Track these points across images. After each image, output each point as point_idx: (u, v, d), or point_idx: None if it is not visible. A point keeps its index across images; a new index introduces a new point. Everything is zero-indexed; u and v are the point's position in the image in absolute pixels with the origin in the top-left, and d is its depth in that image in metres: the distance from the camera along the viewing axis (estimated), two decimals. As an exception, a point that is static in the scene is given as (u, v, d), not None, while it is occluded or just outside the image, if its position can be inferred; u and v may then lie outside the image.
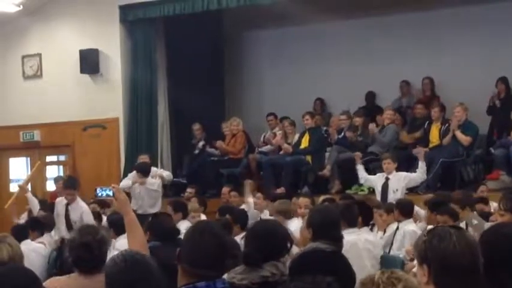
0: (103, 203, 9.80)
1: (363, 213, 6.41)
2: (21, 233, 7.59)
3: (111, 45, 12.96)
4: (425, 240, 2.62)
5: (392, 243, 7.10)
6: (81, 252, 3.69)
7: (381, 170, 9.69)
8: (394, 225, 7.31)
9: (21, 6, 12.68)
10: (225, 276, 3.82)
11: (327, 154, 11.65)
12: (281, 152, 11.78)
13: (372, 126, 11.31)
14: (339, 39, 13.84)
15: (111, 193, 4.11)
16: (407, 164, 10.61)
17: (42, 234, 8.23)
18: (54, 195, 11.95)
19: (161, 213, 8.39)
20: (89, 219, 8.18)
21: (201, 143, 12.68)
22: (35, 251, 7.53)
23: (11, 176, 14.06)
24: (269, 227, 3.93)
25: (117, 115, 12.96)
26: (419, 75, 12.71)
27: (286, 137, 12.02)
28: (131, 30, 13.10)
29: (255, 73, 15.00)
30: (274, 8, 12.23)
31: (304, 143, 11.53)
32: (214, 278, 3.01)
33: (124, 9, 12.84)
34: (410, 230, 7.01)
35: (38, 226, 8.31)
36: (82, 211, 8.51)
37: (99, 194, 4.04)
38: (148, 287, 2.75)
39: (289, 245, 3.80)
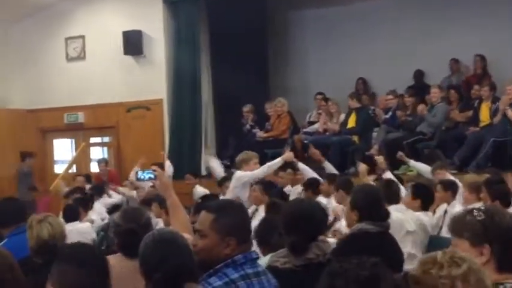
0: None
1: (423, 195, 6.37)
2: (72, 213, 7.75)
3: (155, 26, 13.02)
4: (483, 220, 2.56)
5: (441, 226, 7.01)
6: (127, 238, 3.74)
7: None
8: (443, 207, 7.22)
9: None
10: (267, 258, 3.85)
11: (374, 134, 11.56)
12: (327, 133, 11.74)
13: (421, 107, 11.18)
14: (384, 17, 13.68)
15: (153, 176, 4.10)
16: (457, 144, 10.48)
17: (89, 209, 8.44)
18: (98, 176, 12.17)
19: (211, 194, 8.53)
20: None
21: (249, 124, 12.70)
22: (78, 231, 7.66)
23: (55, 158, 14.31)
24: (306, 208, 3.86)
25: (161, 96, 13.05)
26: (468, 53, 12.51)
27: (331, 117, 11.98)
28: (174, 10, 13.13)
29: (299, 53, 14.92)
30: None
31: (351, 123, 11.46)
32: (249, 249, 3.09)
33: (167, -10, 12.90)
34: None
35: (86, 203, 8.51)
36: None
37: (141, 177, 4.07)
38: (178, 263, 2.76)
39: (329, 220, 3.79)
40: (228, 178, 8.93)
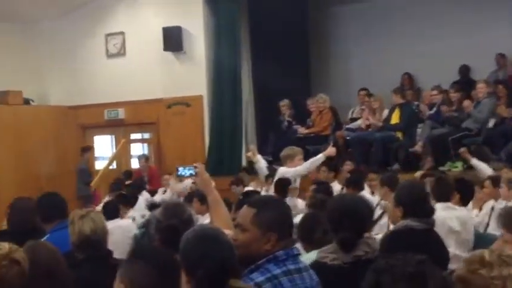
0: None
1: (462, 190, 6.26)
2: (112, 210, 7.81)
3: (195, 23, 13.05)
4: None
5: (488, 223, 6.89)
6: (168, 234, 3.74)
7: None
8: (490, 204, 7.09)
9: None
10: (311, 255, 3.81)
11: (418, 130, 11.43)
12: (369, 129, 11.65)
13: (467, 103, 11.02)
14: (428, 11, 13.53)
15: (193, 172, 4.10)
16: (504, 139, 10.30)
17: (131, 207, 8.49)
18: (138, 172, 12.26)
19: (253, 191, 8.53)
20: None
21: (287, 120, 12.67)
22: (120, 228, 7.72)
23: (96, 154, 14.47)
24: (350, 204, 3.80)
25: (201, 92, 13.08)
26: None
27: (374, 113, 11.87)
28: (214, 7, 13.14)
29: (341, 48, 14.84)
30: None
31: (395, 118, 11.33)
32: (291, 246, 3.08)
33: (207, -14, 12.92)
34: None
35: (126, 201, 8.56)
36: None
37: (181, 173, 4.07)
38: (221, 259, 2.72)
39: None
40: (272, 175, 8.93)
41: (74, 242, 4.03)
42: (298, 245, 4.73)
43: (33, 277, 3.09)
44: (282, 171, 8.26)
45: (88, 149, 13.31)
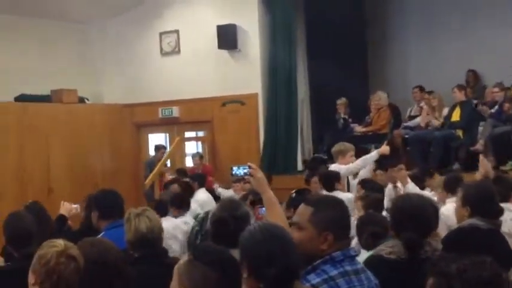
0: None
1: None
2: (162, 208, 7.89)
3: (249, 21, 13.06)
4: None
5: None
6: (218, 227, 3.78)
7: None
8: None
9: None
10: (366, 255, 3.80)
11: (480, 128, 11.23)
12: (429, 128, 11.51)
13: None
14: (492, 6, 13.28)
15: (247, 171, 4.12)
16: None
17: (184, 211, 8.53)
18: (192, 171, 12.36)
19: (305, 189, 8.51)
20: None
21: (343, 118, 12.62)
22: (175, 226, 7.80)
23: (151, 152, 14.62)
24: (416, 204, 3.78)
25: (256, 91, 13.09)
26: None
27: (433, 110, 11.72)
28: (270, 4, 13.11)
29: (400, 45, 14.71)
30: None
31: (455, 116, 11.17)
32: (347, 246, 3.09)
33: (262, -16, 12.92)
34: None
35: (179, 202, 8.60)
36: None
37: (235, 173, 4.10)
38: (288, 259, 2.70)
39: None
40: (314, 174, 8.83)
41: (129, 240, 4.08)
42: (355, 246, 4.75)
43: (96, 273, 3.17)
44: (333, 168, 8.19)
45: (162, 147, 13.39)
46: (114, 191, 5.21)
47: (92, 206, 5.05)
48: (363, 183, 7.38)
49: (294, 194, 7.46)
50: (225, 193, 10.56)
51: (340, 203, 3.23)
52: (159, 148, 13.32)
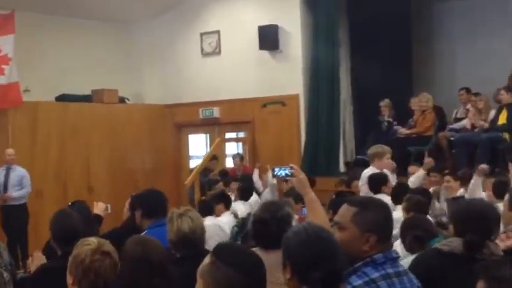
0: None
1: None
2: (206, 208, 7.97)
3: (291, 21, 13.07)
4: None
5: None
6: (259, 228, 3.82)
7: None
8: None
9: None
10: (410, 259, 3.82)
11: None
12: (475, 130, 11.39)
13: None
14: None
15: (289, 172, 4.15)
16: None
17: (227, 208, 8.61)
18: (233, 171, 12.42)
19: (348, 191, 8.50)
20: None
21: (387, 120, 12.55)
22: (216, 225, 7.86)
23: (191, 153, 14.73)
24: (479, 208, 3.80)
25: (297, 92, 13.09)
26: None
27: (480, 113, 11.59)
28: (312, 4, 13.10)
29: (446, 45, 14.53)
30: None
31: (502, 119, 11.02)
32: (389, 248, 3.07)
33: (304, -16, 12.92)
34: None
35: (224, 200, 8.70)
36: None
37: (277, 174, 4.13)
38: (331, 264, 2.68)
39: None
40: (355, 177, 8.83)
41: (171, 240, 4.12)
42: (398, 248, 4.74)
43: (139, 271, 3.22)
44: (369, 172, 8.11)
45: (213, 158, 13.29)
46: (158, 190, 5.28)
47: (136, 204, 5.12)
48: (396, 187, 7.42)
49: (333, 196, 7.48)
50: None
51: (384, 205, 3.22)
52: (213, 159, 13.26)
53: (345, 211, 3.11)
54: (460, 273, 3.45)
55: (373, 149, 8.39)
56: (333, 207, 6.08)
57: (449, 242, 3.65)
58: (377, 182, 7.62)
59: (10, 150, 11.11)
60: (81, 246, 3.33)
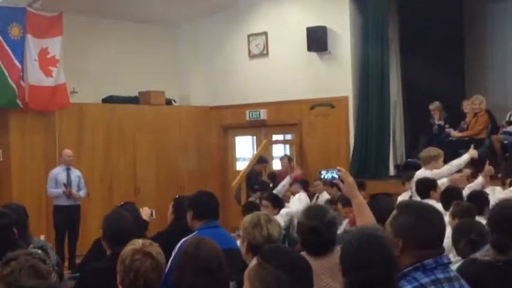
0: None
1: None
2: (251, 209, 8.01)
3: (340, 22, 13.04)
4: None
5: None
6: (310, 237, 3.83)
7: None
8: None
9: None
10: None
11: None
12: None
13: None
14: None
15: (336, 176, 4.16)
16: None
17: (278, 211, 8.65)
18: (280, 174, 12.44)
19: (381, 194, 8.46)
20: None
21: (438, 123, 12.43)
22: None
23: (237, 155, 14.78)
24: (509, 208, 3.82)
25: (346, 94, 13.05)
26: None
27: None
28: (361, 5, 13.08)
29: (500, 47, 14.34)
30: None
31: (557, 122, 10.88)
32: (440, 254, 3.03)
33: (353, -16, 12.87)
34: None
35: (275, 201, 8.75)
36: None
37: (324, 177, 4.15)
38: (384, 269, 2.71)
39: None
40: (409, 177, 8.82)
41: (259, 244, 3.92)
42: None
43: (193, 270, 3.29)
44: (422, 174, 8.10)
45: (262, 161, 13.21)
46: (209, 192, 5.32)
47: (187, 205, 5.18)
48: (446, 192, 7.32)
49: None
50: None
51: (424, 210, 3.15)
52: (260, 161, 13.22)
53: (392, 214, 3.14)
54: (499, 280, 3.50)
55: (429, 152, 8.39)
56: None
57: (487, 251, 3.67)
58: (425, 187, 7.57)
59: (69, 151, 11.35)
60: (127, 246, 3.41)
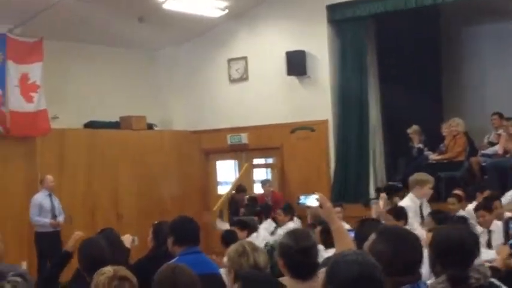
0: None
1: None
2: (230, 238, 7.93)
3: (319, 46, 13.06)
4: None
5: None
6: (300, 258, 3.75)
7: None
8: None
9: (227, 10, 13.17)
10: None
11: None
12: (507, 155, 11.27)
13: None
14: None
15: (315, 200, 4.13)
16: None
17: (248, 235, 8.58)
18: (262, 198, 12.40)
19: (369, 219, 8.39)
20: None
21: (417, 146, 12.45)
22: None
23: (219, 179, 14.71)
24: (455, 237, 3.63)
25: (326, 117, 13.05)
26: None
27: (511, 138, 11.48)
28: (339, 30, 13.12)
29: (476, 71, 14.48)
30: (496, 0, 11.72)
31: (534, 144, 10.92)
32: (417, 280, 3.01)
33: (332, 9, 12.92)
34: None
35: (246, 226, 8.71)
36: None
37: (302, 202, 4.13)
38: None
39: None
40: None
41: (243, 272, 3.75)
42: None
43: None
44: (405, 203, 7.96)
45: (241, 189, 12.94)
46: (190, 218, 5.26)
47: (168, 231, 5.12)
48: (434, 214, 7.22)
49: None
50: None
51: (401, 236, 3.14)
52: (238, 190, 13.05)
53: (370, 238, 3.12)
54: None
55: (416, 176, 8.20)
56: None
57: (442, 284, 3.46)
58: (402, 213, 7.49)
59: (51, 177, 11.28)
60: (97, 277, 3.36)
